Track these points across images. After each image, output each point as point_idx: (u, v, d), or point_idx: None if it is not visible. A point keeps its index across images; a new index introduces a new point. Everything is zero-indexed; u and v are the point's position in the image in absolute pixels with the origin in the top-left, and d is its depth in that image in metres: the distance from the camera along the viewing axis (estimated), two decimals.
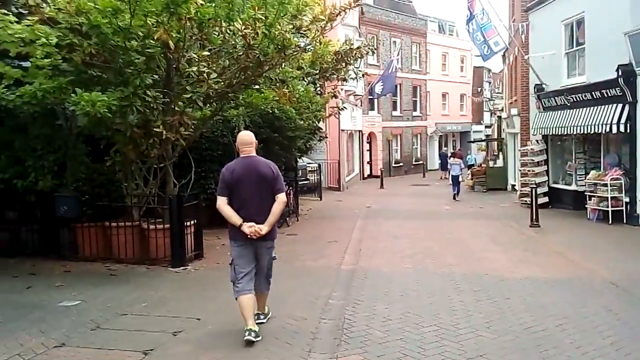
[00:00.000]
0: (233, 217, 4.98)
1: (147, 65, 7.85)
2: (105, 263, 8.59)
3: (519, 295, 6.64)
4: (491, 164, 25.80)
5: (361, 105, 32.02)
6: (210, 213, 13.48)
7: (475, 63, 50.08)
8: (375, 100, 35.55)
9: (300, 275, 7.77)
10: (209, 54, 8.03)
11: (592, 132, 13.32)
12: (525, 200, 17.08)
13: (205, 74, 8.05)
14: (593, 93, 13.59)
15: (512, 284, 7.25)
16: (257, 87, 10.85)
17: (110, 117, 7.48)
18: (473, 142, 38.94)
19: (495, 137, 41.20)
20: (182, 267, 8.29)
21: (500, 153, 26.31)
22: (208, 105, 9.40)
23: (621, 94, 12.40)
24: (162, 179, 9.13)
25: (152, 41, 7.60)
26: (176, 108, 8.23)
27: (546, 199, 16.33)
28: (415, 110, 40.48)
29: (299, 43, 9.79)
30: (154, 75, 8.14)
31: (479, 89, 51.28)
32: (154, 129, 8.03)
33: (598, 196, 13.21)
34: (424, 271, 8.02)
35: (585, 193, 13.83)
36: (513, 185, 23.21)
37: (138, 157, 8.77)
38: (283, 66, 11.88)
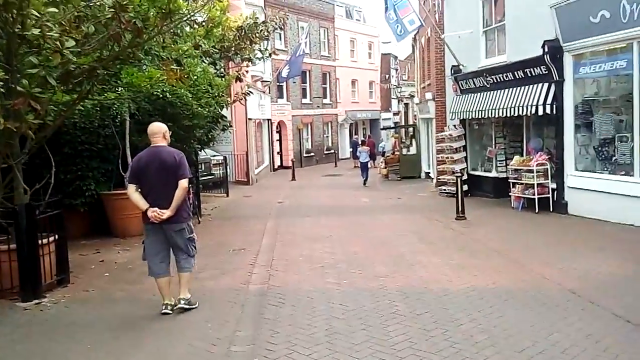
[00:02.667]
0: (140, 202, 5.50)
1: None
2: None
3: (472, 318, 5.28)
4: (404, 151, 25.00)
5: (269, 93, 30.26)
6: (91, 221, 11.32)
7: (382, 50, 49.84)
8: (285, 88, 33.98)
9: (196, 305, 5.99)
10: (56, 10, 5.91)
11: (516, 114, 12.47)
12: (444, 189, 16.26)
13: (57, 42, 5.99)
14: (515, 73, 12.75)
15: (459, 299, 5.92)
16: (140, 64, 8.84)
17: None
18: (384, 129, 38.36)
19: (403, 124, 41.07)
20: (35, 301, 6.22)
21: (413, 140, 25.60)
22: (70, 85, 7.29)
23: (547, 72, 11.58)
24: (9, 184, 6.94)
25: None
26: (18, 88, 6.09)
27: (465, 187, 15.48)
28: (325, 97, 39.32)
29: (188, 9, 7.89)
30: None
31: (387, 76, 51.11)
32: None
33: (523, 183, 12.43)
34: (352, 289, 6.49)
35: (509, 180, 13.03)
36: (427, 173, 22.56)
37: None
38: (176, 42, 9.99)
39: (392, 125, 39.37)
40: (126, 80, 8.25)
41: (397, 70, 55.32)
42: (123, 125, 10.68)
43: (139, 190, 5.55)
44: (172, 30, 9.41)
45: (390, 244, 9.24)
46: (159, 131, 5.67)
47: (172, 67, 8.18)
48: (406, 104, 56.99)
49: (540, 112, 11.59)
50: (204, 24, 9.39)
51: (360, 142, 28.73)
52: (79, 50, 6.47)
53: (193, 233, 5.78)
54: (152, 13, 7.05)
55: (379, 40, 48.53)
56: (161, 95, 10.50)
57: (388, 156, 26.36)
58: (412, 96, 39.97)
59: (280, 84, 32.61)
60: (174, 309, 5.59)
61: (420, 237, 9.72)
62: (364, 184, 21.90)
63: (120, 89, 8.88)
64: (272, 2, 31.02)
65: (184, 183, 5.48)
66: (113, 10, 6.49)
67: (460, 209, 11.50)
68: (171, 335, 5.04)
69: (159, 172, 5.45)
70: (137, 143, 10.88)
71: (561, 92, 11.36)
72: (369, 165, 23.72)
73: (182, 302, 5.64)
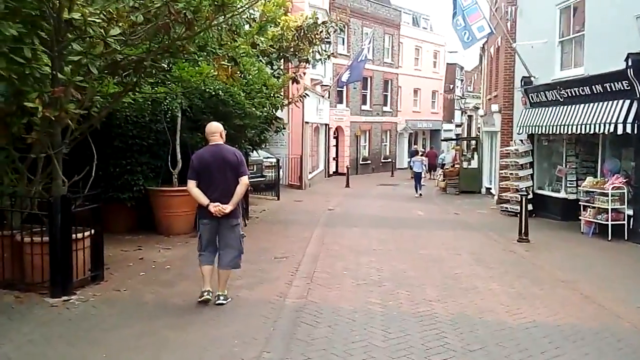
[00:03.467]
0: (201, 197, 5.70)
1: (12, 9, 5.45)
2: None
3: None
4: (465, 164, 23.94)
5: (329, 97, 29.89)
6: (138, 216, 11.18)
7: (448, 59, 48.59)
8: (344, 93, 33.53)
9: (226, 316, 5.55)
10: None
11: (592, 131, 11.43)
12: (506, 207, 15.28)
13: (102, 29, 5.73)
14: (593, 87, 11.71)
15: (518, 336, 5.20)
16: (191, 58, 8.52)
17: None
18: (446, 140, 37.22)
19: (465, 136, 39.60)
20: (64, 298, 5.96)
21: (475, 153, 24.51)
22: (118, 77, 7.07)
23: (629, 88, 10.53)
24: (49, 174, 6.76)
25: None
26: (60, 75, 5.87)
27: (530, 207, 14.43)
28: (385, 105, 38.57)
29: (242, 3, 7.50)
30: (33, 27, 5.78)
31: (451, 86, 49.77)
32: (27, 104, 5.70)
33: (595, 207, 11.37)
34: (397, 312, 5.87)
35: (580, 203, 11.97)
36: (488, 189, 21.46)
37: (11, 143, 6.41)
38: (235, 40, 9.71)
39: (454, 137, 38.13)
40: (176, 75, 7.93)
41: (462, 81, 53.82)
42: (174, 121, 10.50)
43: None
44: (230, 28, 9.18)
45: (443, 263, 8.53)
46: (216, 130, 5.91)
47: (223, 63, 7.85)
48: (470, 116, 55.35)
49: (620, 131, 10.53)
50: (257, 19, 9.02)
51: (415, 152, 27.79)
52: (124, 39, 6.20)
53: (243, 231, 6.08)
54: (204, 5, 6.72)
55: (445, 50, 47.34)
56: (214, 93, 10.24)
57: (447, 169, 25.34)
58: (477, 108, 38.55)
59: (340, 89, 32.19)
60: (212, 302, 5.81)
61: (478, 259, 8.95)
62: (418, 194, 21.29)
63: (171, 83, 8.59)
64: (337, 6, 30.64)
65: (245, 180, 5.75)
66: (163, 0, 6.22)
67: (523, 230, 10.61)
68: (194, 349, 4.62)
69: (221, 169, 5.69)
70: (187, 140, 10.68)
71: None
72: (424, 176, 23.21)
73: (221, 298, 5.88)
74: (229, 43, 9.70)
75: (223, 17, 7.16)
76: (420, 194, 21.24)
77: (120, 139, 10.15)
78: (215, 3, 6.85)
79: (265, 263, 8.16)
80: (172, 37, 6.78)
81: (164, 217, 10.54)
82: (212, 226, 5.74)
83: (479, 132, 27.59)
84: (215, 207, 5.58)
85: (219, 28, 7.82)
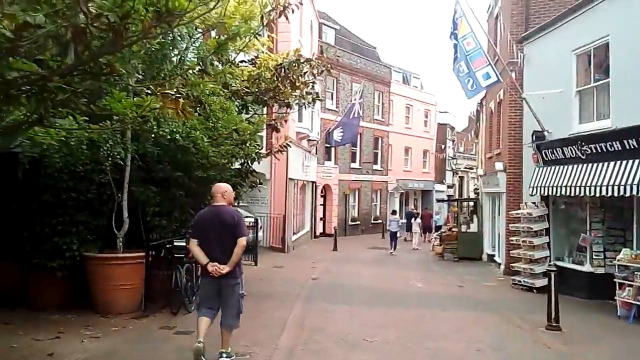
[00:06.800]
0: (200, 257, 5.94)
1: None
2: None
3: None
4: (464, 228, 21.93)
5: (316, 153, 28.13)
6: (73, 289, 8.93)
7: (439, 119, 47.66)
8: (333, 150, 31.82)
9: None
10: None
11: (628, 194, 9.52)
12: (519, 280, 13.15)
13: None
14: (625, 142, 9.90)
15: None
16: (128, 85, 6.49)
17: None
18: (441, 201, 35.44)
19: (457, 197, 37.88)
20: None
21: (475, 216, 22.56)
22: (14, 103, 5.04)
23: None
24: None
25: None
26: None
27: (545, 282, 12.32)
28: (375, 163, 36.84)
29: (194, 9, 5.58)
30: None
31: (442, 147, 48.63)
32: None
33: (635, 285, 9.30)
34: None
35: (615, 280, 9.89)
36: (491, 256, 19.34)
37: None
38: (202, 77, 7.89)
39: (447, 198, 36.39)
40: (103, 105, 5.84)
41: (453, 141, 52.90)
42: (123, 172, 8.50)
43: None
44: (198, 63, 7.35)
45: None
46: (218, 191, 6.14)
47: (169, 92, 5.85)
48: (461, 177, 54.20)
49: None
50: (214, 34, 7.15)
51: (410, 214, 26.05)
52: (8, 46, 4.22)
53: (244, 290, 6.08)
54: (138, 10, 4.81)
55: (435, 109, 46.41)
56: (170, 137, 8.26)
57: (444, 232, 23.30)
58: (470, 169, 37.06)
59: (329, 145, 30.49)
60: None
61: (506, 358, 6.74)
62: (391, 252, 22.27)
63: (105, 120, 6.53)
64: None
65: (242, 241, 5.85)
66: None
67: (553, 315, 8.47)
68: None
69: (218, 230, 5.85)
70: (137, 195, 8.65)
71: None
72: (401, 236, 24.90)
73: (224, 355, 5.85)
74: (192, 78, 7.84)
75: (167, 26, 5.28)
76: (394, 254, 22.03)
77: (52, 192, 8.17)
78: (157, 9, 4.96)
79: None
80: (92, 49, 4.83)
81: (103, 291, 8.42)
82: (211, 285, 5.87)
83: (476, 192, 25.86)
84: (212, 267, 5.76)
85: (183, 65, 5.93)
